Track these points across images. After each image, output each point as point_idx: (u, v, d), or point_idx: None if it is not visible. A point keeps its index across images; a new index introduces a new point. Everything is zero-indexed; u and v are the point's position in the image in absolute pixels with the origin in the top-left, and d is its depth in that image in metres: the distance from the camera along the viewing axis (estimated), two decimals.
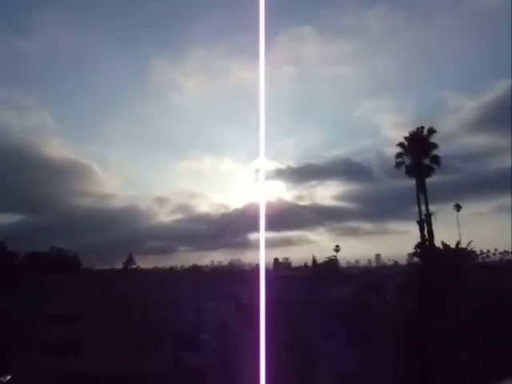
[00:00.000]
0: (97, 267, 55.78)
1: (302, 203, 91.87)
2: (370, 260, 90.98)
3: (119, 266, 59.22)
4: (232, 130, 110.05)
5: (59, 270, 38.80)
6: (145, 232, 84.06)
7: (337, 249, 63.34)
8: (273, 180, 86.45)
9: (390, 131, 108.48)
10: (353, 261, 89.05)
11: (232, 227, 75.01)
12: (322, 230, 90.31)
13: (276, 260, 74.57)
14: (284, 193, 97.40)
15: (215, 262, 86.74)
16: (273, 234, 71.08)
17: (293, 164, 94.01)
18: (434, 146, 26.53)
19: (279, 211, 68.69)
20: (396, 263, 63.07)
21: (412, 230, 27.99)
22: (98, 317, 23.62)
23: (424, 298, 20.45)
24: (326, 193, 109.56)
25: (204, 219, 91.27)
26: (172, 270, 74.37)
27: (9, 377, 21.94)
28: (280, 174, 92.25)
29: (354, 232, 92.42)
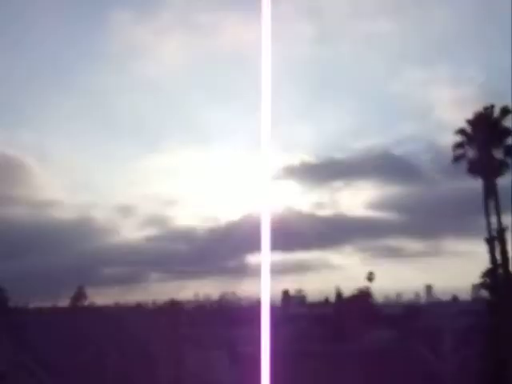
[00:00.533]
0: (32, 305, 55.01)
1: (321, 213, 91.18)
2: (417, 293, 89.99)
3: (65, 302, 58.65)
4: (224, 111, 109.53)
5: None
6: (102, 254, 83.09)
7: (370, 277, 62.66)
8: (281, 180, 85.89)
9: (447, 112, 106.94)
10: (393, 294, 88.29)
11: (224, 247, 74.39)
12: (349, 250, 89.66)
13: (285, 293, 73.93)
14: (297, 198, 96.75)
15: (201, 296, 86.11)
16: (281, 257, 70.52)
17: (309, 158, 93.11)
18: (510, 132, 26.32)
19: (290, 224, 68.23)
20: (455, 298, 62.30)
21: (478, 250, 27.59)
22: (25, 378, 23.01)
23: (500, 349, 20.03)
24: (356, 198, 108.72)
25: (185, 236, 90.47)
26: (140, 306, 73.72)
27: None
28: (291, 172, 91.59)
29: (394, 253, 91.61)
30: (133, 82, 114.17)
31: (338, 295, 61.20)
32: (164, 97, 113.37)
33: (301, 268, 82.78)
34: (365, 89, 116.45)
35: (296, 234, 68.86)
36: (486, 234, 24.62)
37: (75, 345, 26.59)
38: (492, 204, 25.04)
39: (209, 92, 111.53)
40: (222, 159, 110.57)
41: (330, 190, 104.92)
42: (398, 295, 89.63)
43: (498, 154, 26.37)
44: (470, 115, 27.53)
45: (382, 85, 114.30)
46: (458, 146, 27.16)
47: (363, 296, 52.46)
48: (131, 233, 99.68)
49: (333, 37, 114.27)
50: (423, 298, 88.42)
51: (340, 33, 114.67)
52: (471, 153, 26.92)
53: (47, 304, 59.90)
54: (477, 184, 26.07)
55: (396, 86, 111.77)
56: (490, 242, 24.43)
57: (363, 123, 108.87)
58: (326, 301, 66.61)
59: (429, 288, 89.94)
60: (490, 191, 25.41)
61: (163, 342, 33.13)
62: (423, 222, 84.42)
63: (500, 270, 23.93)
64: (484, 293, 25.92)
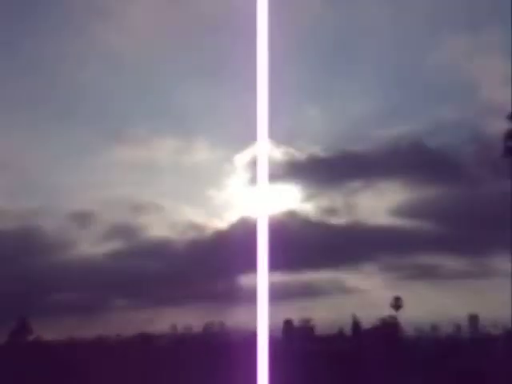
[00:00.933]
0: None
1: (334, 221, 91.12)
2: (458, 325, 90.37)
3: (2, 338, 58.39)
4: (210, 91, 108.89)
5: None
6: (52, 275, 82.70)
7: (397, 304, 62.94)
8: (283, 180, 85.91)
9: (496, 91, 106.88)
10: (427, 326, 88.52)
11: (210, 264, 74.47)
12: (370, 269, 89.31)
13: (288, 323, 74.05)
14: (303, 203, 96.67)
15: (179, 328, 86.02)
16: (282, 277, 70.45)
17: (319, 152, 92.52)
18: None
19: (294, 236, 68.36)
20: (508, 332, 62.28)
21: None
22: None
23: None
24: (379, 203, 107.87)
25: (160, 250, 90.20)
26: (101, 341, 73.75)
27: None
28: (296, 169, 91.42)
29: (428, 274, 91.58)
30: (93, 53, 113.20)
31: (356, 326, 61.33)
32: (133, 72, 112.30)
33: (308, 292, 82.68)
34: (391, 61, 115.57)
35: (302, 248, 68.77)
36: None
37: None
38: None
39: (191, 67, 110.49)
40: (208, 152, 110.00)
41: (344, 192, 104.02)
42: (434, 327, 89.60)
43: None
44: None
45: (413, 56, 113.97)
46: (511, 135, 27.31)
47: (388, 328, 52.68)
48: (90, 247, 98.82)
49: None
50: (467, 331, 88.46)
51: None
52: None
53: None
54: None
55: (431, 58, 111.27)
56: None
57: (388, 106, 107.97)
58: (341, 333, 66.62)
59: (474, 318, 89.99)
60: None
61: None
62: (466, 233, 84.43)
63: None
64: None
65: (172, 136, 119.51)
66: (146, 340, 68.08)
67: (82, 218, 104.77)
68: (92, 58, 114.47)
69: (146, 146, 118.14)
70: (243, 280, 76.72)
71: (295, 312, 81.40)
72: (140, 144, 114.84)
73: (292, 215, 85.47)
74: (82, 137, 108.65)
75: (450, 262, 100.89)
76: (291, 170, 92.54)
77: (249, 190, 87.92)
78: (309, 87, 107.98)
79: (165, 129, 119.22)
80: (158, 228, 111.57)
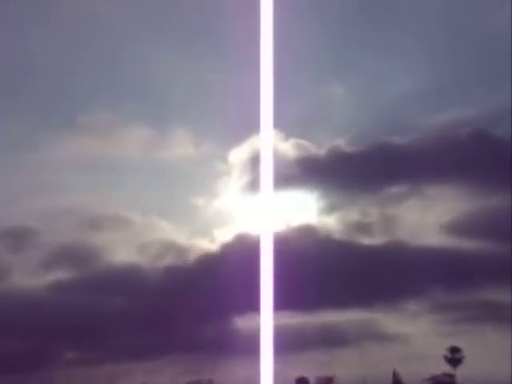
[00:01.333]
0: None
1: (366, 241, 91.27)
2: None
3: None
4: (195, 63, 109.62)
5: None
6: None
7: (455, 357, 63.16)
8: (294, 185, 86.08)
9: None
10: None
11: (195, 301, 74.86)
12: (415, 307, 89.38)
13: (302, 382, 74.73)
14: (322, 216, 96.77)
15: None
16: (294, 319, 70.94)
17: (344, 146, 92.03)
18: None
19: (310, 262, 68.58)
20: None
21: None
22: None
23: None
24: (427, 216, 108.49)
25: (125, 282, 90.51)
26: None
27: None
28: (312, 169, 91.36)
29: (497, 315, 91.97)
30: (35, 10, 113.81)
31: None
32: (91, 36, 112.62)
33: (329, 339, 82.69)
34: (443, 23, 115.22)
35: (320, 278, 68.86)
36: None
37: None
38: None
39: (170, 31, 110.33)
40: (191, 147, 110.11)
41: (380, 201, 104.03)
42: None
43: None
44: None
45: (474, 17, 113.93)
46: None
47: None
48: (26, 278, 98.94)
49: None
50: None
51: None
52: None
53: None
54: None
55: (497, 19, 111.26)
56: None
57: (440, 82, 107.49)
58: None
59: None
60: None
61: None
62: None
63: None
64: None
65: (143, 124, 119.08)
66: None
67: (16, 238, 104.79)
68: (35, 17, 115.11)
69: (108, 137, 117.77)
70: (240, 323, 76.92)
71: (311, 367, 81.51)
72: (99, 135, 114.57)
73: (307, 232, 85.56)
74: (19, 124, 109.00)
75: None
76: (305, 171, 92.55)
77: (248, 197, 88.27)
78: (329, 58, 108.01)
79: (133, 114, 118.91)
80: (123, 250, 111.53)
